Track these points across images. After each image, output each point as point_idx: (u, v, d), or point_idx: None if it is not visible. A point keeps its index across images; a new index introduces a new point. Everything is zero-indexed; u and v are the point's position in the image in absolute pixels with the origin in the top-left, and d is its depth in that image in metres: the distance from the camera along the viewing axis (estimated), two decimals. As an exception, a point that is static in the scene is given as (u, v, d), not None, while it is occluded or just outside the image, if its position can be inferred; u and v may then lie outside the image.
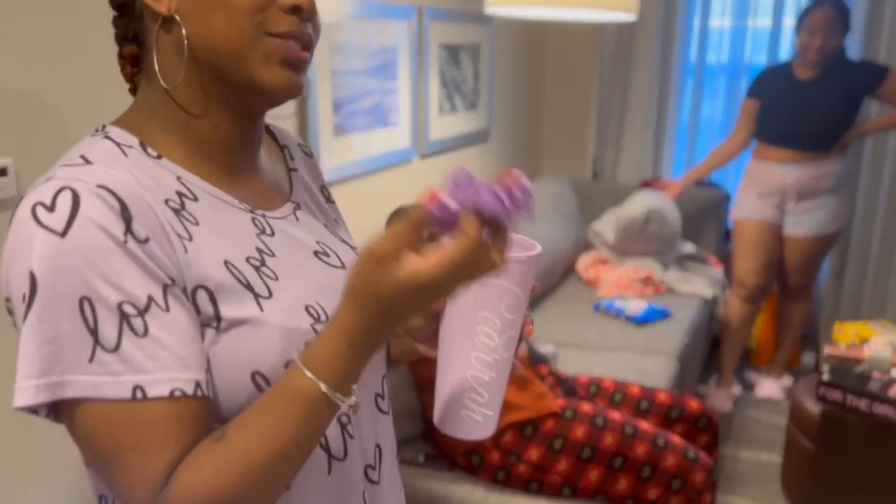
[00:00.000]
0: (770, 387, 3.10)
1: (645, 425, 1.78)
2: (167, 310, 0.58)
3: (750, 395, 3.13)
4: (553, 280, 3.03)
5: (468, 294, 0.64)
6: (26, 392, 0.56)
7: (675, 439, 1.76)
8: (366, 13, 2.21)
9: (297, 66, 0.66)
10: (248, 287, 0.64)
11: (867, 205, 3.30)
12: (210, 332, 0.62)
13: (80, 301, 0.55)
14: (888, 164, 3.22)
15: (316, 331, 0.66)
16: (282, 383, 0.58)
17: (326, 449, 0.69)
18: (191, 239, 0.62)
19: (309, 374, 0.56)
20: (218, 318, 0.62)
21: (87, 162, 0.60)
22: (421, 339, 0.76)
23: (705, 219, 3.35)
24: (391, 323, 0.57)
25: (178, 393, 0.57)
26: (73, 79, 1.39)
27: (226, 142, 0.68)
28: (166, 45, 0.65)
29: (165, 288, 0.58)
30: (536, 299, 2.98)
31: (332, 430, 0.69)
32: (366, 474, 0.74)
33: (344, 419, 0.70)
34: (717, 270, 3.23)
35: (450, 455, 1.82)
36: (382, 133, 2.37)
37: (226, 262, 0.63)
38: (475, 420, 0.69)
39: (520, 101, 3.50)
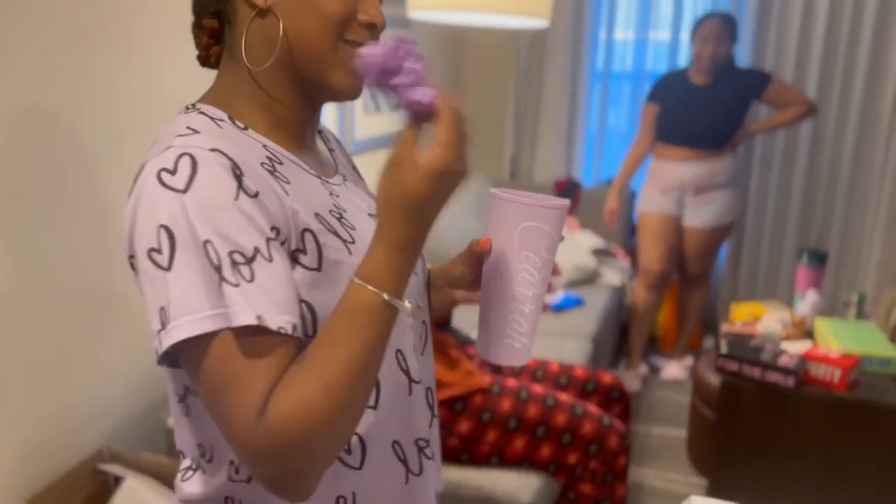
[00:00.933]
0: (674, 368, 3.35)
1: (564, 397, 1.93)
2: (270, 260, 0.66)
3: (657, 378, 3.37)
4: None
5: (513, 236, 0.76)
6: (185, 328, 0.63)
7: (592, 408, 1.93)
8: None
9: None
10: (336, 234, 0.74)
11: (758, 198, 3.61)
12: (313, 274, 0.71)
13: (205, 245, 0.63)
14: (776, 160, 3.54)
15: None
16: (345, 299, 0.67)
17: (406, 372, 0.80)
18: (287, 194, 0.71)
19: (369, 286, 0.65)
20: (320, 258, 0.71)
21: (196, 132, 0.69)
22: (462, 286, 0.88)
23: (614, 214, 3.58)
24: (427, 219, 0.68)
25: (283, 331, 0.64)
26: (88, 97, 1.42)
27: (298, 121, 0.78)
28: (256, 31, 0.74)
29: (268, 241, 0.66)
30: (460, 292, 3.12)
31: (411, 357, 0.80)
32: (428, 400, 0.86)
33: (422, 443, 0.83)
34: (625, 262, 3.47)
35: (385, 433, 1.92)
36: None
37: (316, 214, 0.73)
38: (515, 347, 0.80)
39: (439, 104, 3.64)
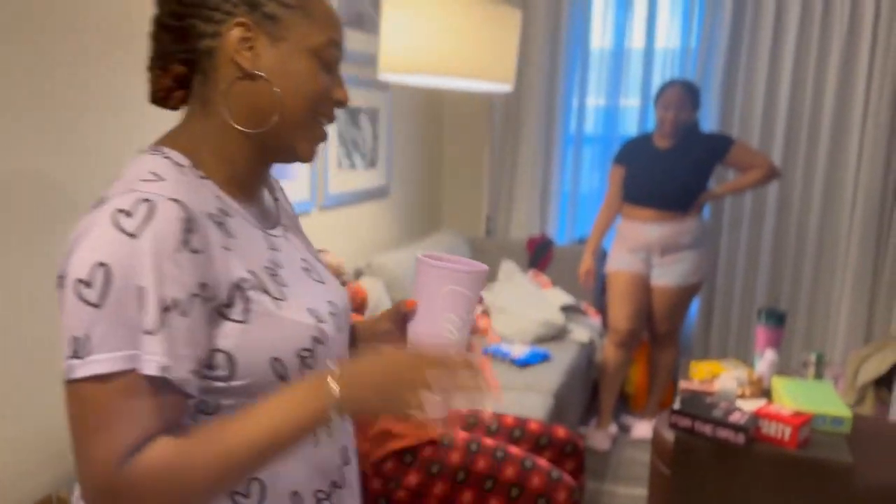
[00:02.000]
0: (643, 428, 3.35)
1: (515, 450, 1.95)
2: (185, 315, 0.71)
3: (627, 437, 3.37)
4: (445, 328, 3.21)
5: (437, 299, 0.82)
6: (101, 364, 0.67)
7: (542, 462, 1.94)
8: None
9: (320, 140, 0.85)
10: (266, 291, 0.78)
11: (728, 258, 3.68)
12: (238, 327, 0.75)
13: (138, 291, 0.68)
14: (745, 222, 3.62)
15: (319, 328, 0.81)
16: (276, 397, 0.73)
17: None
18: (229, 249, 0.76)
19: (331, 384, 0.72)
20: (247, 312, 0.75)
21: (160, 178, 0.74)
22: (389, 341, 0.93)
23: (586, 272, 3.64)
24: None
25: (174, 380, 0.70)
26: (78, 161, 1.49)
27: (252, 175, 0.84)
28: (244, 94, 0.79)
29: (192, 297, 0.71)
30: (429, 346, 3.14)
31: (309, 501, 0.85)
32: (343, 455, 0.89)
33: (321, 495, 0.86)
34: (595, 320, 3.51)
35: (335, 483, 1.93)
36: (283, 185, 2.53)
37: (250, 271, 0.78)
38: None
39: (418, 161, 3.75)
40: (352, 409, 0.74)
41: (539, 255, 3.74)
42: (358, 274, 2.83)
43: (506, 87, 2.50)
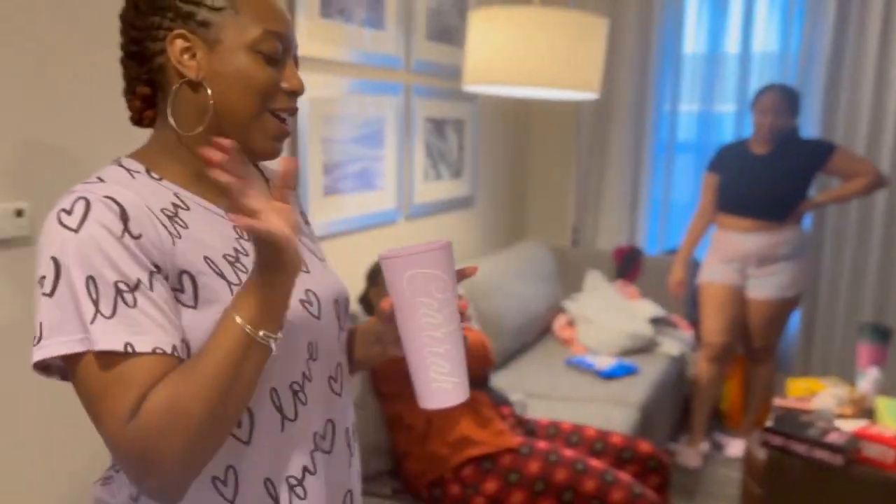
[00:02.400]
0: (737, 446, 3.21)
1: (595, 462, 1.92)
2: (151, 289, 0.76)
3: (720, 455, 3.24)
4: (528, 337, 3.19)
5: (403, 288, 0.81)
6: (48, 349, 0.73)
7: (623, 476, 1.90)
8: (359, 90, 2.47)
9: (283, 139, 0.88)
10: (222, 276, 0.82)
11: (832, 271, 3.48)
12: (189, 311, 0.79)
13: (87, 280, 0.73)
14: (850, 232, 3.43)
15: None
16: (217, 325, 0.75)
17: (280, 410, 0.85)
18: (180, 237, 0.81)
19: (235, 316, 0.74)
20: (196, 297, 0.80)
21: (101, 181, 0.80)
22: (388, 342, 0.92)
23: (676, 284, 3.54)
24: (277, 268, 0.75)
25: (158, 350, 0.74)
26: (82, 129, 1.62)
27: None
28: (187, 100, 0.84)
29: (151, 273, 0.76)
30: (513, 354, 3.14)
31: (286, 396, 0.86)
32: (314, 441, 0.90)
33: (296, 387, 0.87)
34: (687, 333, 3.40)
35: (414, 489, 1.96)
36: (369, 195, 2.60)
37: (205, 258, 0.82)
38: (446, 388, 0.83)
39: (504, 171, 3.76)
40: (263, 304, 0.75)
41: (627, 266, 3.66)
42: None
43: (591, 95, 2.48)
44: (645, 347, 3.20)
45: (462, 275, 0.90)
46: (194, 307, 0.80)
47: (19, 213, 1.50)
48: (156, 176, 0.85)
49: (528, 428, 2.11)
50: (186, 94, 0.84)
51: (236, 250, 0.86)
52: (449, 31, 3.04)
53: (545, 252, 3.59)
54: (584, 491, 1.86)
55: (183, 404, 0.71)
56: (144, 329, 0.74)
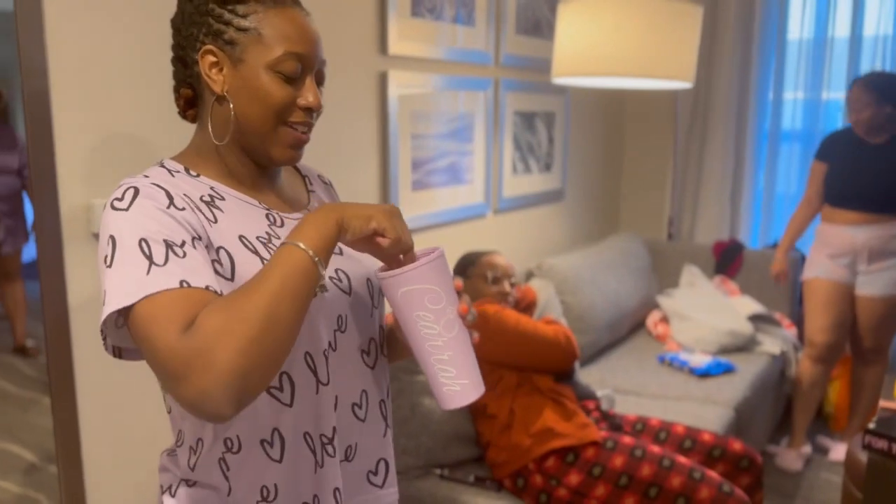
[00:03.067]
0: (842, 450, 3.05)
1: (683, 459, 1.88)
2: (196, 249, 0.83)
3: (823, 458, 3.09)
4: (620, 332, 3.15)
5: (400, 304, 0.88)
6: (109, 306, 0.79)
7: (712, 474, 1.86)
8: (448, 86, 2.52)
9: (300, 147, 0.95)
10: (256, 253, 0.90)
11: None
12: (227, 283, 0.86)
13: (139, 242, 0.81)
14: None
15: None
16: (275, 254, 0.81)
17: (314, 373, 0.92)
18: (216, 221, 0.89)
19: (295, 241, 0.80)
20: (233, 271, 0.87)
21: (146, 176, 0.90)
22: (408, 348, 1.01)
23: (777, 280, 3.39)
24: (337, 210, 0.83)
25: (211, 289, 0.80)
26: (181, 129, 1.74)
27: (248, 174, 0.97)
28: (218, 112, 0.93)
29: (193, 239, 0.84)
30: (603, 349, 3.11)
31: (320, 361, 0.92)
32: (352, 410, 0.97)
33: (327, 353, 0.93)
34: (790, 331, 3.25)
35: (498, 478, 1.98)
36: (457, 190, 2.64)
37: (240, 237, 0.90)
38: (456, 391, 0.90)
39: (596, 163, 3.71)
40: (318, 237, 0.81)
41: (727, 261, 3.54)
42: (529, 276, 2.87)
43: (686, 85, 2.42)
44: (744, 346, 3.09)
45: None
46: (231, 280, 0.87)
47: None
48: (193, 174, 0.94)
49: (614, 423, 2.10)
50: (216, 107, 0.93)
51: (268, 233, 0.93)
52: (539, 24, 3.03)
53: (639, 245, 3.52)
54: (669, 487, 1.83)
55: (239, 311, 0.75)
56: (197, 272, 0.80)
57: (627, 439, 1.93)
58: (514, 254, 3.06)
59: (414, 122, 2.40)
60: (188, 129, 1.72)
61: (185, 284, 0.79)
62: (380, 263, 1.06)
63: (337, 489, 0.95)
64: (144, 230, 0.81)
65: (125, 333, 0.90)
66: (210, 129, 0.94)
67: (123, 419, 1.68)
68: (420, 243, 2.50)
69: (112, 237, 0.82)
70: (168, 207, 0.84)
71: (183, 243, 0.82)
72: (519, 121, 2.96)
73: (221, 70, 0.91)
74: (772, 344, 3.10)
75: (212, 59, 0.91)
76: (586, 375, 2.83)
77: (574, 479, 1.89)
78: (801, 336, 3.35)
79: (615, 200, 3.98)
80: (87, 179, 1.56)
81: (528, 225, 3.14)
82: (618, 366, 2.92)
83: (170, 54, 1.66)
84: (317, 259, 0.80)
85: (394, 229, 0.84)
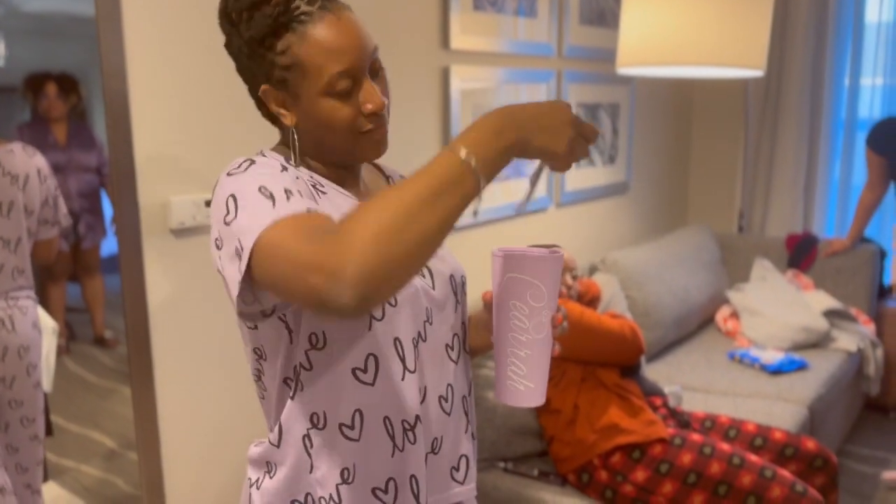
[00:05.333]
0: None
1: (753, 458, 1.84)
2: (317, 205, 0.86)
3: (907, 461, 2.95)
4: (689, 328, 3.08)
5: (502, 286, 0.86)
6: (250, 236, 0.78)
7: (784, 473, 1.80)
8: (510, 78, 2.51)
9: (383, 141, 0.95)
10: None
11: None
12: None
13: (259, 189, 0.83)
14: None
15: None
16: (438, 155, 0.77)
17: (402, 360, 0.93)
18: (318, 205, 0.91)
19: (458, 146, 0.76)
20: None
21: (261, 156, 0.93)
22: (492, 332, 1.00)
23: (854, 274, 3.25)
24: (533, 112, 0.80)
25: (335, 216, 0.83)
26: (253, 128, 1.78)
27: (335, 173, 0.99)
28: (296, 136, 0.95)
29: (305, 199, 0.85)
30: (670, 345, 3.05)
31: (408, 348, 0.94)
32: (440, 403, 0.98)
33: (416, 342, 0.95)
34: (867, 328, 3.12)
35: (562, 472, 1.97)
36: (519, 184, 2.63)
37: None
38: (518, 389, 0.89)
39: (663, 155, 3.63)
40: (485, 144, 0.77)
41: (801, 254, 3.41)
42: (592, 270, 2.83)
43: (757, 73, 2.34)
44: (818, 342, 2.98)
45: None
46: None
47: (208, 204, 1.69)
48: (292, 164, 0.96)
49: (681, 420, 2.06)
50: (293, 130, 0.95)
51: None
52: (603, 14, 2.98)
53: (709, 239, 3.43)
54: (739, 486, 1.78)
55: (381, 199, 0.73)
56: (319, 207, 0.83)
57: (696, 436, 1.89)
58: (577, 248, 3.02)
59: (476, 116, 2.40)
60: (266, 128, 1.77)
61: (311, 210, 0.80)
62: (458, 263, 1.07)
63: (413, 477, 0.96)
64: (262, 179, 0.83)
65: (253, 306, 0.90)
66: (291, 152, 0.96)
67: (200, 409, 1.74)
68: (483, 238, 2.50)
69: (232, 195, 0.84)
70: (282, 171, 0.87)
71: (300, 194, 0.83)
72: (583, 112, 2.93)
73: (286, 107, 0.93)
74: (848, 340, 2.98)
75: (274, 95, 0.93)
76: (653, 372, 2.78)
77: (640, 475, 1.86)
78: (879, 333, 3.21)
79: (683, 193, 3.89)
80: (164, 177, 1.62)
81: (591, 218, 3.10)
82: (685, 362, 2.86)
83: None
84: (475, 166, 0.75)
85: (568, 166, 0.83)
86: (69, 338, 2.71)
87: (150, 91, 1.56)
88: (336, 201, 0.94)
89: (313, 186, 0.93)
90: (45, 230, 1.87)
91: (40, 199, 1.83)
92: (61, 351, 2.65)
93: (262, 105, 0.98)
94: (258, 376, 0.97)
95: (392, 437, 0.94)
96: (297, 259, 0.72)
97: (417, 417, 0.95)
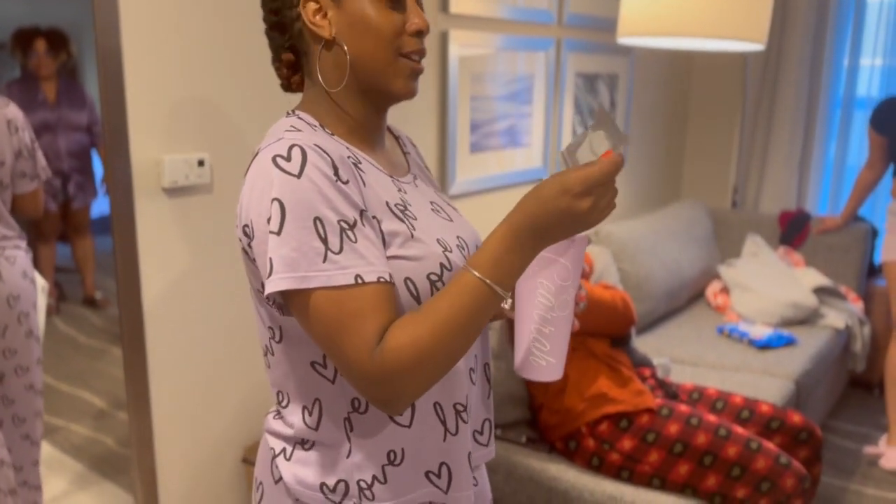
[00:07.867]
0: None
1: (739, 430, 1.86)
2: (364, 226, 0.83)
3: (885, 435, 2.99)
4: (679, 301, 3.10)
5: (532, 266, 0.87)
6: (279, 282, 0.78)
7: (769, 445, 1.83)
8: (509, 46, 2.48)
9: (417, 77, 0.93)
10: (402, 220, 0.89)
11: None
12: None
13: (314, 220, 0.80)
14: None
15: (446, 256, 0.89)
16: (455, 280, 0.81)
17: (443, 422, 0.93)
18: (365, 185, 0.88)
19: (475, 272, 0.81)
20: (383, 239, 0.86)
21: (299, 130, 0.87)
22: (508, 306, 1.02)
23: (846, 252, 3.27)
24: (545, 222, 0.80)
25: (382, 280, 0.81)
26: (249, 88, 1.76)
27: (367, 126, 0.95)
28: (327, 59, 0.91)
29: (361, 213, 0.84)
30: (661, 318, 3.07)
31: (449, 412, 0.94)
32: (469, 375, 0.98)
33: (459, 407, 0.94)
34: (856, 306, 3.14)
35: (550, 440, 1.99)
36: (515, 153, 2.62)
37: (386, 203, 0.89)
38: (540, 364, 0.90)
39: (659, 128, 3.62)
40: (509, 268, 0.82)
41: (793, 231, 3.43)
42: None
43: (757, 47, 2.32)
44: (807, 319, 3.00)
45: None
46: (386, 245, 0.87)
47: (201, 163, 1.67)
48: (328, 131, 0.92)
49: (669, 391, 2.08)
50: (325, 54, 0.91)
51: (403, 201, 0.92)
52: (604, -16, 2.95)
53: (702, 213, 3.44)
54: (725, 456, 1.81)
55: (427, 350, 0.79)
56: (368, 261, 0.81)
57: (683, 407, 1.91)
58: (572, 219, 3.02)
59: (473, 83, 2.37)
60: (259, 88, 1.74)
61: (359, 280, 0.80)
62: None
63: (470, 453, 0.97)
64: (317, 209, 0.80)
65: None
66: (322, 80, 0.92)
67: (191, 370, 1.74)
68: (479, 207, 2.49)
69: (281, 203, 0.80)
70: (336, 181, 0.82)
71: (354, 223, 0.82)
72: (581, 82, 2.90)
73: (325, 15, 0.89)
74: (836, 318, 3.01)
75: (314, 6, 0.89)
76: (642, 344, 2.80)
77: (627, 444, 1.88)
78: (866, 311, 3.24)
79: (678, 167, 3.88)
80: (157, 135, 1.60)
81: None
82: (675, 335, 2.88)
83: (241, 13, 1.68)
84: (501, 293, 0.82)
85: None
86: (59, 298, 2.70)
87: (145, 48, 1.54)
88: (373, 178, 0.90)
89: (354, 165, 0.88)
90: (23, 183, 1.82)
91: (12, 151, 1.78)
92: (51, 311, 2.64)
93: (279, 57, 0.95)
94: (270, 351, 0.94)
95: (443, 423, 0.93)
96: (355, 377, 0.80)
97: (467, 397, 0.95)
